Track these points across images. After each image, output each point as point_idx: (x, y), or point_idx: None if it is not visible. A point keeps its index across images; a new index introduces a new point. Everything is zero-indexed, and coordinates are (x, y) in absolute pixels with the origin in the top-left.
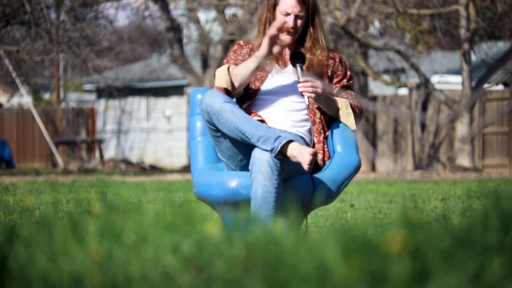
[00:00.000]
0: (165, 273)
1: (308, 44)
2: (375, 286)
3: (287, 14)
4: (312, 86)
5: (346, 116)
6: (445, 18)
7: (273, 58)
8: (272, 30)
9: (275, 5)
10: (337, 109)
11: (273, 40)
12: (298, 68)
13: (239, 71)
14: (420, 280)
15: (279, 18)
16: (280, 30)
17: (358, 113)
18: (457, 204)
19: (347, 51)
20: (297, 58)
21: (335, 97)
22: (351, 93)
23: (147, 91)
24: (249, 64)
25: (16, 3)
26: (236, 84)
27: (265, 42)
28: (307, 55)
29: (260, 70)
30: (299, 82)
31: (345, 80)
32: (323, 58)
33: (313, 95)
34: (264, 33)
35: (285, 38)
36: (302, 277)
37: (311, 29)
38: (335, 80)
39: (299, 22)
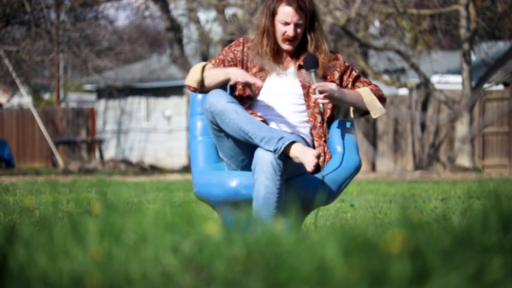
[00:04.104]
0: (165, 273)
1: (311, 49)
2: (375, 286)
3: (286, 24)
4: (328, 91)
5: (372, 102)
6: (445, 18)
7: (273, 60)
8: (258, 85)
9: (273, 14)
10: (361, 99)
11: (248, 85)
12: (313, 74)
13: (209, 75)
14: (420, 280)
15: (279, 28)
16: (282, 41)
17: (381, 96)
18: (457, 204)
19: (347, 51)
20: (310, 63)
21: (356, 89)
22: (365, 80)
23: (147, 91)
24: (219, 75)
25: (16, 3)
26: (205, 84)
27: (243, 79)
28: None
29: (260, 70)
30: (313, 89)
31: (354, 72)
32: (326, 61)
33: (326, 101)
34: (262, 44)
35: (287, 47)
36: (302, 277)
37: (312, 34)
38: (345, 77)
39: (299, 30)
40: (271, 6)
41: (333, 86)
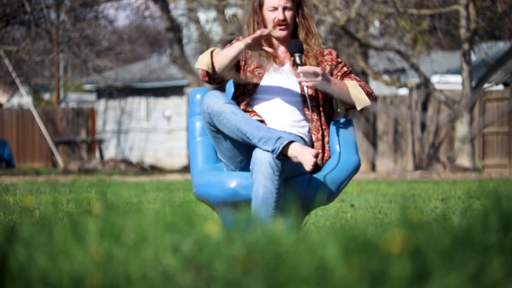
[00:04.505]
0: (165, 273)
1: (302, 35)
2: (375, 286)
3: (275, 9)
4: (312, 72)
5: (358, 93)
6: (445, 18)
7: (270, 56)
8: (264, 31)
9: (260, 5)
10: (347, 90)
11: (259, 40)
12: (297, 58)
13: (220, 55)
14: (420, 280)
15: (268, 16)
16: (273, 27)
17: (369, 92)
18: (457, 204)
19: (347, 51)
20: (295, 47)
21: (343, 81)
22: (356, 77)
23: (147, 91)
24: (229, 51)
25: (16, 3)
26: (216, 67)
27: (251, 37)
28: (304, 46)
29: (258, 66)
30: (298, 72)
31: (345, 68)
32: (317, 49)
33: (311, 84)
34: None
35: (279, 33)
36: (302, 277)
37: (301, 20)
38: (335, 71)
39: (288, 13)
40: None
41: (317, 69)
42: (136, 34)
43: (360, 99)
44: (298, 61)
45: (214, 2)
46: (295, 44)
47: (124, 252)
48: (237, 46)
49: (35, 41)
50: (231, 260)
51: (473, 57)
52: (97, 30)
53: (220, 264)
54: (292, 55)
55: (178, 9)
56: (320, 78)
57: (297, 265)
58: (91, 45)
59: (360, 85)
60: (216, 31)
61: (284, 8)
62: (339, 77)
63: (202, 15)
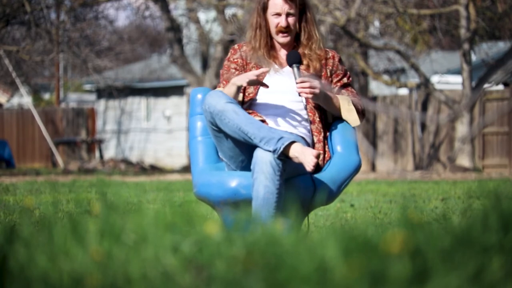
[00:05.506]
0: (165, 273)
1: (304, 39)
2: (375, 286)
3: (278, 15)
4: (309, 87)
5: (348, 112)
6: (445, 18)
7: (268, 55)
8: (265, 71)
9: (264, 9)
10: (339, 107)
11: (256, 82)
12: (295, 69)
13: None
14: (420, 280)
15: (272, 21)
16: (276, 33)
17: (360, 110)
18: (457, 204)
19: (347, 51)
20: (293, 58)
21: (336, 95)
22: (352, 91)
23: (147, 91)
24: (229, 90)
25: (16, 3)
26: None
27: (252, 73)
28: (305, 51)
29: (258, 69)
30: (296, 83)
31: (345, 79)
32: (320, 52)
33: (310, 95)
34: (255, 39)
35: (282, 39)
36: (302, 277)
37: (304, 25)
38: (335, 80)
39: (291, 20)
40: (262, 1)
41: (316, 83)
42: (136, 34)
43: (350, 117)
44: (296, 72)
45: (214, 2)
46: (293, 55)
47: (124, 252)
48: (233, 85)
49: (35, 41)
50: (231, 260)
51: (473, 57)
52: (97, 30)
53: (220, 264)
54: (290, 66)
55: (178, 9)
56: (318, 91)
57: (297, 265)
58: (91, 45)
59: (353, 101)
60: (216, 31)
61: (288, 14)
62: (337, 87)
63: (202, 15)
